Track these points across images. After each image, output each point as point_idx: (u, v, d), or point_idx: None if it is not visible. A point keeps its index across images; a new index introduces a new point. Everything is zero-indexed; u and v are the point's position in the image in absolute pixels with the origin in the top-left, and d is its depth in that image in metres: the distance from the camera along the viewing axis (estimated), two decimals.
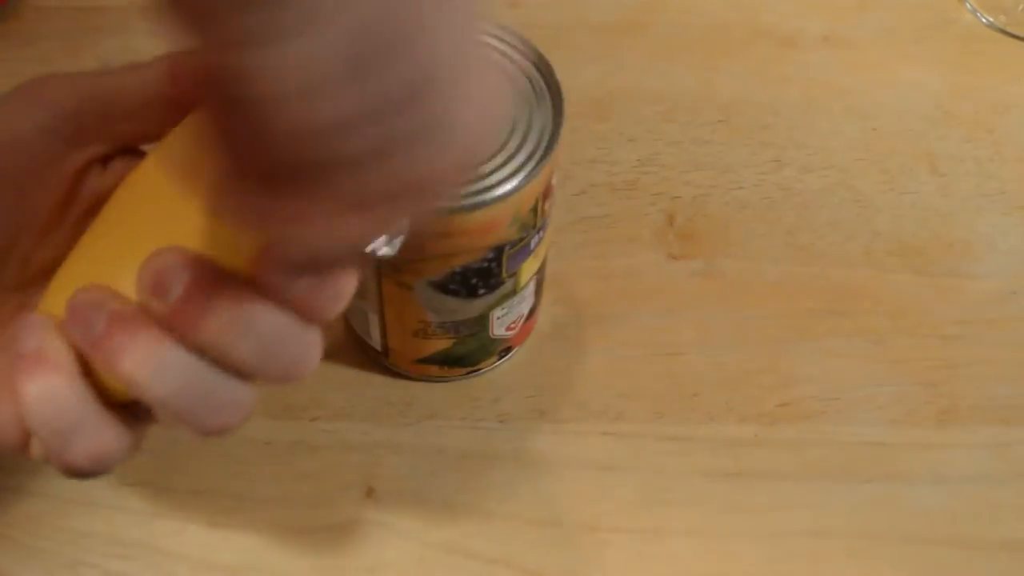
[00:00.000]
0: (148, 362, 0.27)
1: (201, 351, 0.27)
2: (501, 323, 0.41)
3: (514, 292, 0.40)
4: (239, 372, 0.28)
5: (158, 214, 0.29)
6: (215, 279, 0.28)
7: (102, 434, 0.28)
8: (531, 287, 0.41)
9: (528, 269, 0.40)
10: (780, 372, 0.45)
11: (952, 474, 0.42)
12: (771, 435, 0.43)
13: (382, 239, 0.31)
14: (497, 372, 0.44)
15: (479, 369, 0.44)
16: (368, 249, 0.31)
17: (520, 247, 0.38)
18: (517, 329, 0.43)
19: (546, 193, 0.38)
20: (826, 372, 0.45)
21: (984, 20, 0.56)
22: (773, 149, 0.51)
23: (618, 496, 0.42)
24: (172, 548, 0.40)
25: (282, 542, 0.41)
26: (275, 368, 0.28)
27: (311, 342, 0.29)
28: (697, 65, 0.54)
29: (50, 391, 0.28)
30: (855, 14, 0.56)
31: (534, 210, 0.37)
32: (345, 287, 0.29)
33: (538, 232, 0.39)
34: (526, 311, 0.43)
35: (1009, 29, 0.55)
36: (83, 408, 0.28)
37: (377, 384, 0.44)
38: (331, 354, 0.45)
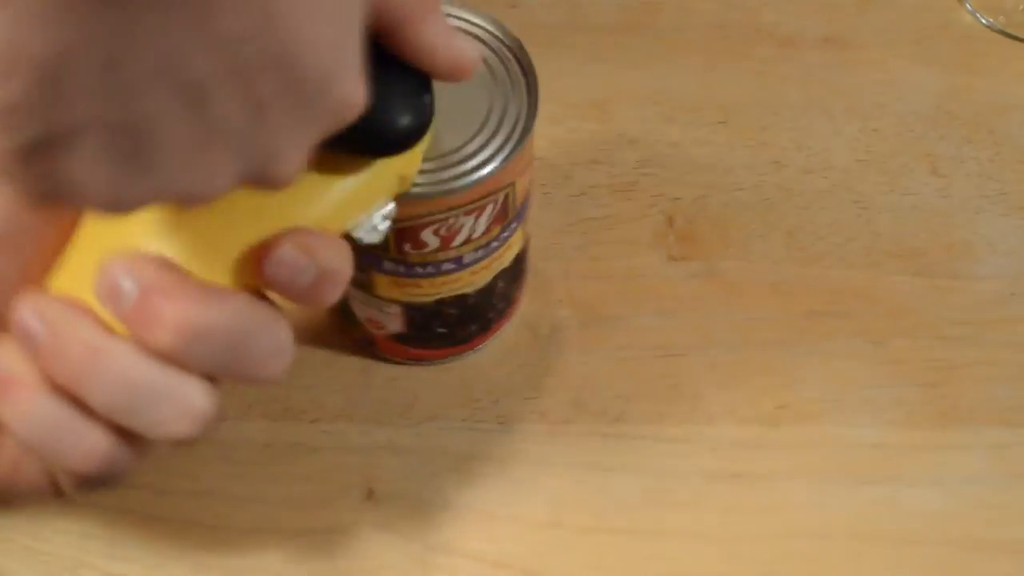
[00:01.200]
0: (89, 367, 0.27)
1: (161, 354, 0.27)
2: (361, 309, 0.41)
3: (367, 290, 0.40)
4: (203, 373, 0.28)
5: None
6: (171, 282, 0.27)
7: (92, 435, 0.28)
8: (395, 309, 0.41)
9: (383, 284, 0.39)
10: (780, 373, 0.45)
11: (952, 475, 0.42)
12: (771, 436, 0.43)
13: (367, 224, 0.32)
14: (497, 373, 0.44)
15: (352, 332, 0.44)
16: (356, 236, 0.31)
17: (371, 254, 0.38)
18: (380, 332, 0.42)
19: (409, 234, 0.36)
20: (826, 373, 0.45)
21: (984, 21, 0.56)
22: (773, 150, 0.51)
23: (618, 498, 0.42)
24: (172, 550, 0.40)
25: (282, 544, 0.41)
26: (240, 369, 0.28)
27: (281, 337, 0.29)
28: (697, 66, 0.54)
29: (26, 406, 0.28)
30: (855, 15, 0.56)
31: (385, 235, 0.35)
32: (343, 275, 0.30)
33: (394, 262, 0.38)
34: (388, 326, 0.42)
35: (1009, 30, 0.55)
36: (61, 414, 0.28)
37: (377, 386, 0.44)
38: (331, 356, 0.45)
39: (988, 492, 0.42)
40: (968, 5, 0.56)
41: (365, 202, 0.31)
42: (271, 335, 0.29)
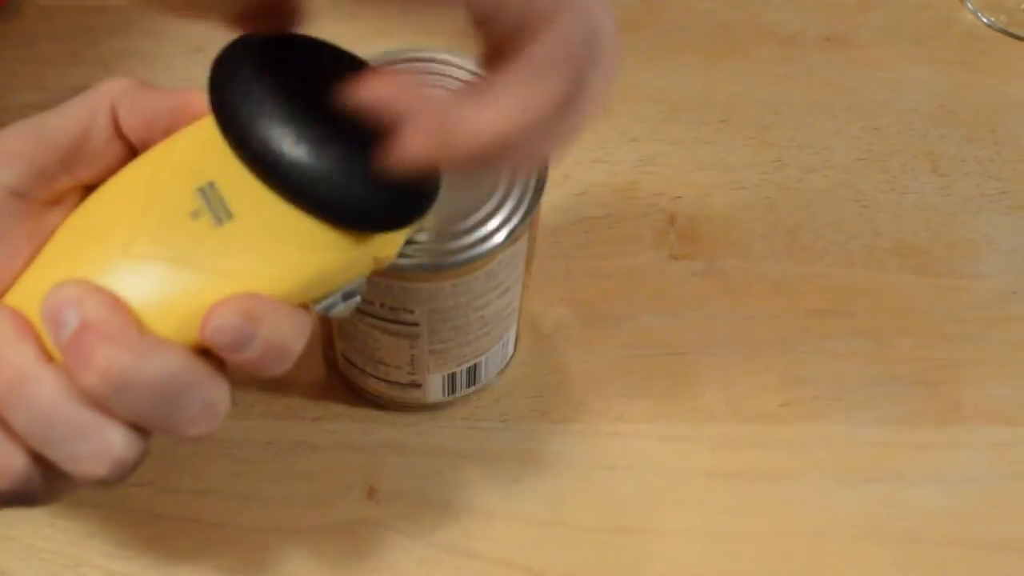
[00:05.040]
0: (14, 391, 0.27)
1: (87, 392, 0.27)
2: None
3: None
4: (127, 420, 0.27)
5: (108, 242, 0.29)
6: (112, 324, 0.27)
7: (9, 453, 0.28)
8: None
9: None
10: (781, 372, 0.45)
11: (953, 474, 0.42)
12: (773, 435, 0.43)
13: (338, 296, 0.30)
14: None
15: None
16: (321, 308, 0.30)
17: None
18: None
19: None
20: (827, 372, 0.45)
21: (985, 20, 0.56)
22: (775, 149, 0.51)
23: (620, 496, 0.42)
24: (174, 548, 0.40)
25: (284, 542, 0.41)
26: (165, 424, 0.28)
27: (214, 399, 0.28)
28: (699, 65, 0.54)
29: None
30: (856, 14, 0.56)
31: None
32: (291, 350, 0.28)
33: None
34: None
35: (1010, 29, 0.55)
36: None
37: None
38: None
39: (989, 490, 0.42)
40: (969, 4, 0.56)
41: (332, 281, 0.29)
42: (201, 396, 0.28)
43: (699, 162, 0.50)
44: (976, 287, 0.47)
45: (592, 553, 0.41)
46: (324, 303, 0.30)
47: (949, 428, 0.43)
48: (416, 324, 0.38)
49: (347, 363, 0.42)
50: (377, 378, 0.41)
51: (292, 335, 0.28)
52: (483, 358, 0.41)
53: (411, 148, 0.27)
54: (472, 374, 0.42)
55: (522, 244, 0.37)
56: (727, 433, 0.43)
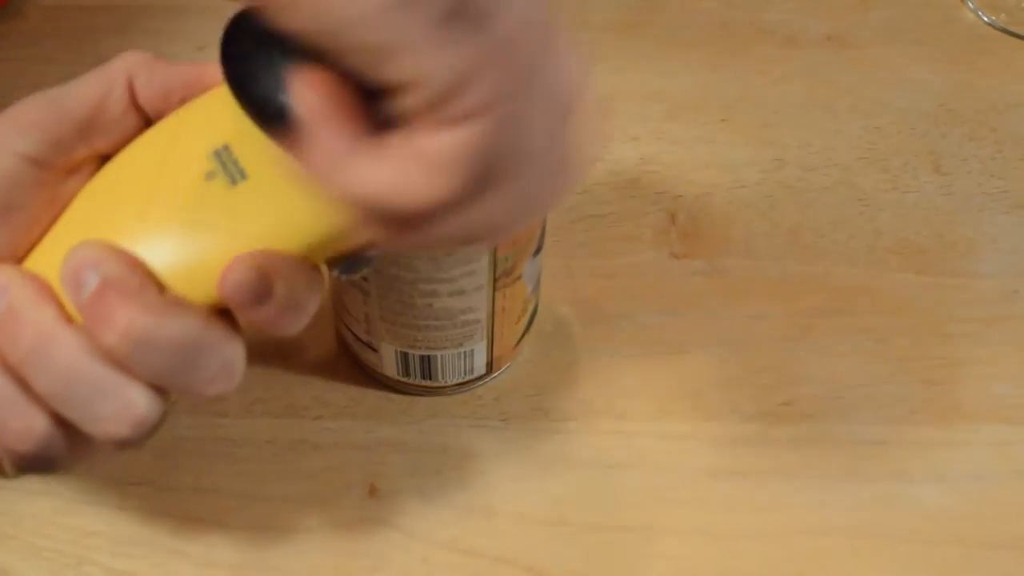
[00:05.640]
0: (37, 352, 0.27)
1: (107, 352, 0.27)
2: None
3: None
4: (148, 380, 0.28)
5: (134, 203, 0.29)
6: (131, 283, 0.27)
7: (30, 416, 0.28)
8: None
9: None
10: (783, 371, 0.45)
11: (954, 473, 0.42)
12: (774, 434, 0.43)
13: (346, 261, 0.30)
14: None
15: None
16: (335, 270, 0.30)
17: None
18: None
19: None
20: (828, 371, 0.45)
21: (985, 19, 0.56)
22: (775, 148, 0.51)
23: (621, 495, 0.42)
24: (176, 547, 0.40)
25: (285, 541, 0.41)
26: (184, 384, 0.28)
27: (232, 359, 0.28)
28: (699, 64, 0.54)
29: None
30: (857, 13, 0.56)
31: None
32: (306, 307, 0.29)
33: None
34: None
35: (1011, 28, 0.55)
36: (4, 389, 0.28)
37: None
38: (334, 354, 0.45)
39: (990, 489, 0.42)
40: (970, 3, 0.56)
41: (345, 239, 0.29)
42: (219, 356, 0.28)
43: (700, 161, 0.51)
44: (977, 286, 0.47)
45: (593, 552, 0.41)
46: (336, 267, 0.30)
47: (950, 427, 0.43)
48: (365, 280, 0.38)
49: (337, 305, 0.42)
50: (346, 327, 0.42)
51: (307, 292, 0.29)
52: (438, 355, 0.41)
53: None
54: (426, 366, 0.42)
55: (476, 252, 0.37)
56: (728, 432, 0.43)
